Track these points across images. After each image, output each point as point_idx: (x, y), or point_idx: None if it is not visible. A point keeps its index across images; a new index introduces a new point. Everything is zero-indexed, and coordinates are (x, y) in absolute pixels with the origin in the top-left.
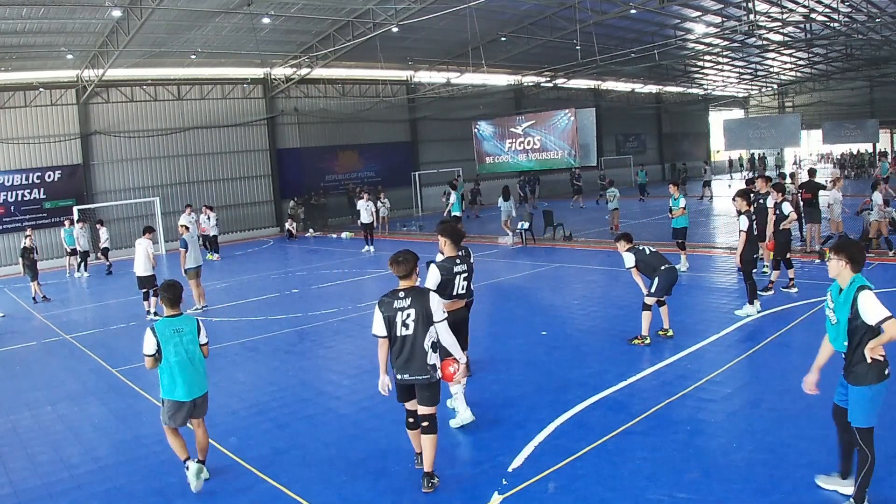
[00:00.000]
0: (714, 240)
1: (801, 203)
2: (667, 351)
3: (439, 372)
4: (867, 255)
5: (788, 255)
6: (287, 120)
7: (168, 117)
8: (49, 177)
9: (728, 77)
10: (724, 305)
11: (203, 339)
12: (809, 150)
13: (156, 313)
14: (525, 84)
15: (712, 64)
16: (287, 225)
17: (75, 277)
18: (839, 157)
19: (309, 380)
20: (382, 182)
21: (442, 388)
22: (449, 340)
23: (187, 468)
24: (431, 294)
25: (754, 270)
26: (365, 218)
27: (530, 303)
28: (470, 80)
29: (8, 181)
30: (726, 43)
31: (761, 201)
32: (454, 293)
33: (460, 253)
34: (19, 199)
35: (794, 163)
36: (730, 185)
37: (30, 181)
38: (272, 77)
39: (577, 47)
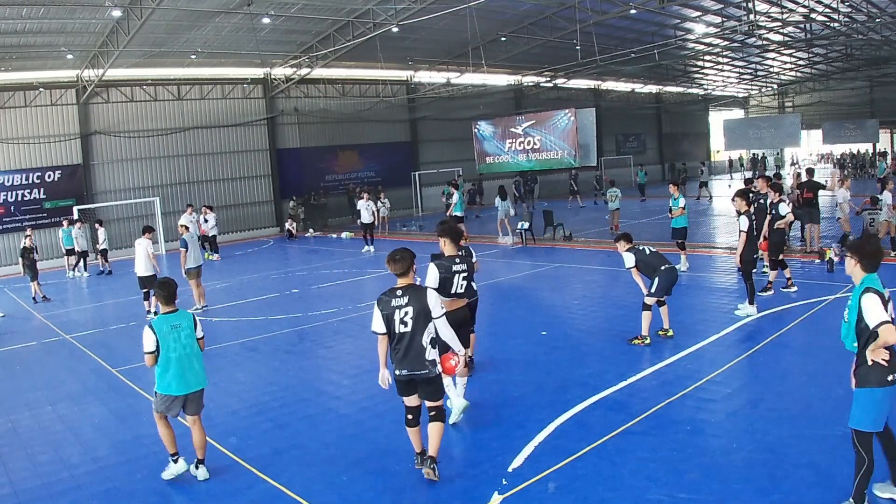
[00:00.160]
0: (714, 240)
1: (801, 203)
2: (667, 351)
3: (439, 367)
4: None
5: (782, 256)
6: (287, 120)
7: (168, 117)
8: (49, 177)
9: (728, 77)
10: (723, 305)
11: (199, 333)
12: (809, 150)
13: (155, 312)
14: (525, 84)
15: (712, 64)
16: (287, 225)
17: (73, 277)
18: (839, 157)
19: (309, 380)
20: (382, 182)
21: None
22: (448, 334)
23: (174, 462)
24: (429, 291)
25: (754, 270)
26: (366, 218)
27: (530, 303)
28: (470, 80)
29: (8, 181)
30: (726, 43)
31: (761, 201)
32: (453, 292)
33: (461, 253)
34: (19, 199)
35: (793, 163)
36: (730, 186)
37: (30, 181)
38: (272, 77)
39: (577, 47)
